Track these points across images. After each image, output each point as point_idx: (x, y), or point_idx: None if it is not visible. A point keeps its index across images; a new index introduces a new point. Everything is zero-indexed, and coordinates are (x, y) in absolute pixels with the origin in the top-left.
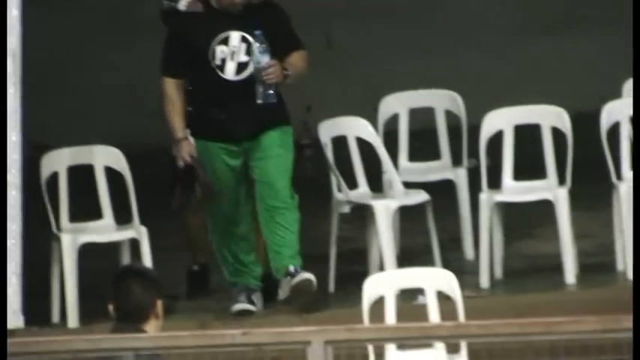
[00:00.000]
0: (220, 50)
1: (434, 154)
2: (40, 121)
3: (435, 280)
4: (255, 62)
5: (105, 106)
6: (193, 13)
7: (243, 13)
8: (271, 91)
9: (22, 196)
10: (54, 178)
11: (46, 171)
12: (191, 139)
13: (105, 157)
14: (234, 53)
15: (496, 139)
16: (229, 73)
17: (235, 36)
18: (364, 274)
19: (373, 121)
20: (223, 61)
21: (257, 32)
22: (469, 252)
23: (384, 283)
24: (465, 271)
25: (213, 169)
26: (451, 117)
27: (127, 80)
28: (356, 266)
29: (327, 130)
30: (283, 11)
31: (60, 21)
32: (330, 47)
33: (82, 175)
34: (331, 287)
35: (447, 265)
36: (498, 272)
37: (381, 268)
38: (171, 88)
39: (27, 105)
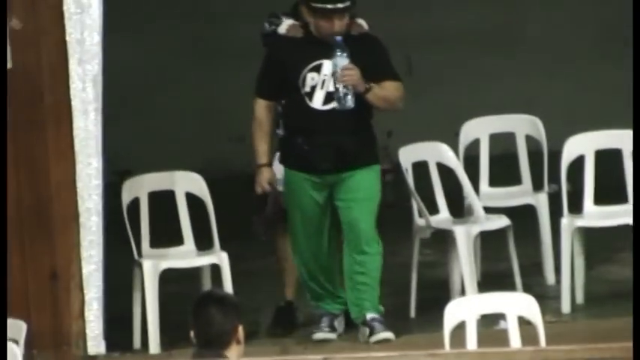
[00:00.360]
0: (311, 77)
1: (515, 179)
2: (122, 146)
3: (516, 305)
4: (334, 65)
5: (186, 131)
6: (292, 37)
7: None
8: (349, 96)
9: (103, 221)
10: (135, 203)
11: (127, 197)
12: (279, 167)
13: (186, 182)
14: (325, 82)
15: (577, 164)
16: (317, 101)
17: (328, 65)
18: (445, 299)
19: (454, 146)
20: (313, 88)
21: (338, 38)
22: (550, 277)
23: (465, 308)
24: (546, 296)
25: (298, 199)
26: (532, 142)
27: (208, 105)
28: (437, 291)
29: (408, 155)
30: (381, 43)
31: (141, 46)
32: (411, 73)
33: (163, 201)
34: (412, 313)
35: (528, 290)
36: (580, 297)
37: (462, 293)
38: (262, 109)
39: (108, 131)
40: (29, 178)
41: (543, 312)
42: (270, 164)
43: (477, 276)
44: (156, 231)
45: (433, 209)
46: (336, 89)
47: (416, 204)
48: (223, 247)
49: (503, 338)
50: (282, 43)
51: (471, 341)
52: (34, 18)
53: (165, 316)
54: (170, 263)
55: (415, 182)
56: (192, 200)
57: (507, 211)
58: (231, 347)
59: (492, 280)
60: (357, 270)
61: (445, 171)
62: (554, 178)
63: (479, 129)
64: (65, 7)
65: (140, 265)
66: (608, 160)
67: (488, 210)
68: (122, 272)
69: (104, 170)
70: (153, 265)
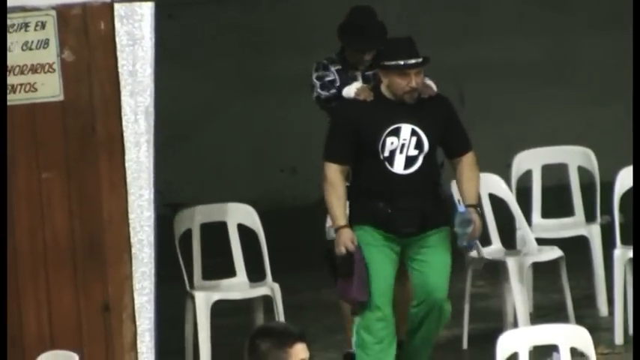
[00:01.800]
0: (390, 142)
1: (567, 211)
2: (174, 179)
3: (569, 336)
4: (462, 233)
5: (238, 163)
6: (363, 101)
7: (414, 105)
8: (477, 242)
9: (155, 253)
10: (187, 235)
11: (179, 228)
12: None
13: (238, 214)
14: (404, 146)
15: (629, 195)
16: (398, 166)
17: (406, 128)
18: (498, 330)
19: (506, 178)
20: (392, 153)
21: (461, 209)
22: (603, 308)
23: (517, 340)
24: (598, 328)
25: (371, 252)
26: (584, 173)
27: (260, 137)
28: (490, 323)
29: None
30: (453, 106)
31: (192, 79)
32: (463, 105)
33: (215, 233)
34: (465, 344)
35: (580, 321)
36: (632, 329)
37: (515, 324)
38: (335, 173)
39: (160, 163)
40: (82, 210)
41: (596, 344)
42: (350, 225)
43: (529, 307)
44: (208, 263)
45: (485, 241)
46: (468, 242)
47: None
48: (275, 279)
49: None
50: (353, 105)
51: None
52: (86, 50)
53: (217, 348)
54: (222, 295)
55: None
56: (244, 232)
57: (560, 243)
58: None
59: (545, 311)
60: (419, 329)
61: (497, 202)
62: (607, 209)
63: (531, 160)
64: (117, 39)
65: (192, 297)
66: None
67: (541, 241)
68: (174, 304)
69: (156, 202)
70: (205, 296)
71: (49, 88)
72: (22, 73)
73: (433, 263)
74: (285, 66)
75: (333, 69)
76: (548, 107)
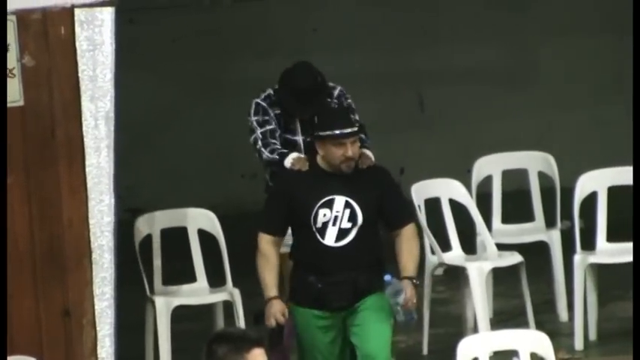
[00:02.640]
0: (322, 214)
1: (527, 216)
2: (134, 184)
3: (529, 341)
4: (394, 304)
5: (198, 169)
6: (298, 172)
7: (350, 177)
8: (414, 315)
9: (115, 259)
10: (147, 241)
11: (139, 234)
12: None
13: (198, 219)
14: (337, 218)
15: (589, 201)
16: (330, 239)
17: (339, 200)
18: (458, 335)
19: (466, 183)
20: (325, 225)
21: (386, 278)
22: (563, 314)
23: (478, 345)
24: (558, 333)
25: (309, 336)
26: (544, 178)
27: (220, 143)
28: (450, 328)
29: (421, 191)
30: (392, 177)
31: (153, 83)
32: (422, 110)
33: (175, 238)
34: (425, 350)
35: (540, 326)
36: (592, 334)
37: (475, 329)
38: (267, 244)
39: (120, 168)
40: (41, 215)
41: (556, 349)
42: (279, 296)
43: (489, 312)
44: (168, 268)
45: (445, 246)
46: (405, 315)
47: (428, 241)
48: (235, 284)
49: None
50: (287, 177)
51: None
52: (46, 55)
53: (177, 353)
54: (182, 300)
55: (427, 219)
56: (205, 237)
57: (520, 248)
58: None
59: (505, 316)
60: None
61: (457, 207)
62: (567, 214)
63: (491, 166)
64: (78, 44)
65: (152, 302)
66: (620, 196)
67: (501, 247)
68: (134, 309)
69: (116, 207)
70: (165, 302)
71: (10, 93)
72: None
73: (371, 328)
74: (245, 69)
75: (271, 113)
76: (509, 112)
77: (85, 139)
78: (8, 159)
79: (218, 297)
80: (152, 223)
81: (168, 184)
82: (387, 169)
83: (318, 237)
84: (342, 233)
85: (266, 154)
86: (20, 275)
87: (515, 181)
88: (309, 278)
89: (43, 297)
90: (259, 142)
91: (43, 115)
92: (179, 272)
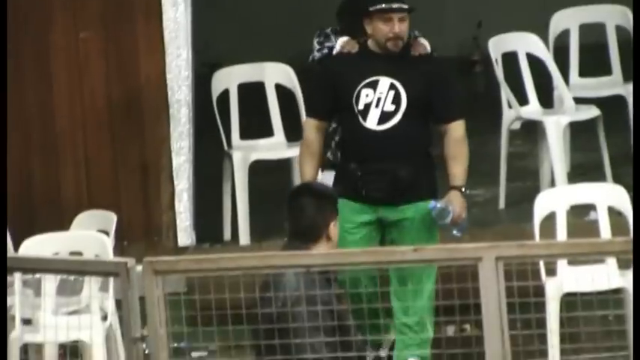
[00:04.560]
0: (365, 94)
1: (605, 70)
2: (211, 38)
3: (607, 195)
4: (443, 224)
5: (276, 22)
6: (347, 53)
7: (399, 60)
8: (465, 225)
9: (193, 113)
10: (225, 95)
11: (217, 88)
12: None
13: (275, 74)
14: (380, 100)
15: None
16: (371, 121)
17: (384, 82)
18: (535, 190)
19: (544, 37)
20: (367, 107)
21: (430, 206)
22: None
23: (555, 199)
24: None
25: (343, 231)
26: (622, 32)
27: None
28: (527, 182)
29: (498, 45)
30: (447, 70)
31: None
32: None
33: (252, 93)
34: (502, 204)
35: (618, 180)
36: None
37: (552, 184)
38: (311, 129)
39: (198, 22)
40: (118, 72)
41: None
42: None
43: (566, 166)
44: (245, 123)
45: (523, 100)
46: (456, 229)
47: (505, 95)
48: None
49: (593, 229)
50: (335, 59)
51: (561, 232)
52: None
53: (255, 207)
54: (260, 155)
55: (505, 73)
56: (282, 91)
57: (597, 102)
58: (321, 242)
59: (582, 170)
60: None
61: (535, 61)
62: None
63: (569, 19)
64: None
65: (230, 157)
66: None
67: (578, 100)
68: (212, 164)
69: (194, 62)
70: (243, 156)
71: None
72: None
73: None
74: None
75: (334, 39)
76: None
77: None
78: (85, 14)
79: (295, 151)
80: (229, 78)
81: (245, 38)
82: (442, 60)
83: (360, 119)
84: (384, 116)
85: (318, 54)
86: (98, 131)
87: (592, 35)
88: (350, 165)
89: (120, 152)
90: (315, 52)
91: None
92: (256, 127)
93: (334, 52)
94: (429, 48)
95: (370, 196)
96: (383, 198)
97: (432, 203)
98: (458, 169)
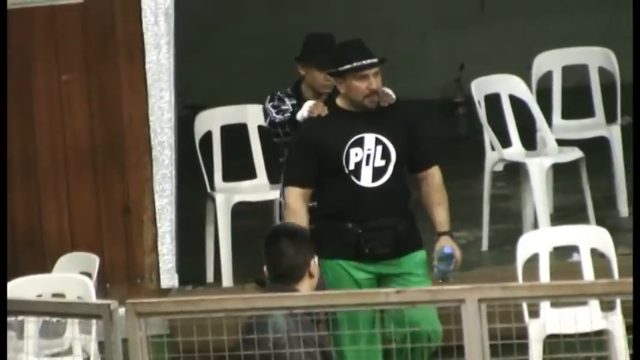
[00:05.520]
0: (354, 153)
1: (587, 112)
2: (194, 80)
3: (590, 237)
4: (444, 269)
5: (259, 64)
6: (318, 117)
7: (374, 114)
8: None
9: (175, 155)
10: (208, 137)
11: (199, 130)
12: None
13: (258, 115)
14: (370, 157)
15: None
16: (365, 179)
17: (369, 138)
18: (518, 232)
19: (526, 79)
20: (358, 165)
21: (446, 250)
22: (623, 209)
23: (538, 241)
24: (619, 229)
25: (333, 279)
26: (605, 74)
27: (282, 39)
28: (510, 224)
29: (480, 87)
30: (415, 117)
31: None
32: (482, 6)
33: (235, 135)
34: (484, 246)
35: (601, 222)
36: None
37: (535, 226)
38: (296, 199)
39: (180, 64)
40: (102, 113)
41: (616, 244)
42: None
43: (549, 209)
44: (228, 165)
45: (506, 142)
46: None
47: (488, 137)
48: None
49: (576, 271)
50: (311, 125)
51: (544, 274)
52: None
53: (238, 249)
54: (242, 196)
55: (487, 115)
56: (265, 133)
57: (580, 144)
58: (304, 281)
59: (565, 212)
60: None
61: (517, 103)
62: (627, 110)
63: (551, 61)
64: None
65: (213, 199)
66: None
67: (561, 142)
68: (195, 206)
69: (176, 104)
70: (225, 198)
71: None
72: None
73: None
74: None
75: (288, 102)
76: (569, 7)
77: (145, 36)
78: (67, 56)
79: (278, 194)
80: (212, 120)
81: (227, 80)
82: (406, 105)
83: (353, 179)
84: (377, 172)
85: (279, 117)
86: (81, 173)
87: (575, 77)
88: (346, 226)
89: (103, 194)
90: (272, 114)
91: (103, 13)
92: (239, 169)
93: (299, 116)
94: (394, 96)
95: (373, 253)
96: (386, 254)
97: (445, 249)
98: (444, 214)
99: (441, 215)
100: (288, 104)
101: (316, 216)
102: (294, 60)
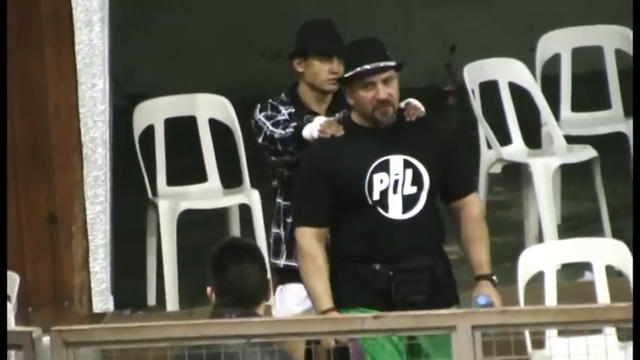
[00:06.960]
0: (379, 179)
1: (602, 103)
2: (134, 66)
3: (604, 252)
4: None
5: (210, 47)
6: (332, 138)
7: (400, 131)
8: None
9: (110, 154)
10: (149, 132)
11: (140, 124)
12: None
13: (209, 107)
14: (397, 183)
15: None
16: (395, 210)
17: (396, 160)
18: (519, 246)
19: (530, 64)
20: (384, 194)
21: (481, 301)
22: None
23: (543, 257)
24: None
25: (371, 348)
26: (622, 57)
27: (236, 15)
28: (509, 237)
29: (475, 74)
30: (452, 132)
31: None
32: None
33: (182, 130)
34: None
35: (618, 235)
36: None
37: (540, 239)
38: (311, 241)
39: (117, 46)
40: (23, 104)
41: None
42: (336, 308)
43: (557, 218)
44: (174, 166)
45: (505, 139)
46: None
47: (484, 132)
48: (254, 185)
49: (588, 292)
50: (320, 147)
51: (550, 296)
52: None
53: (184, 267)
54: (191, 204)
55: (483, 106)
56: (217, 128)
57: (593, 141)
58: (262, 304)
59: (576, 223)
60: None
61: (519, 93)
62: None
63: (559, 43)
64: None
65: (155, 206)
66: None
67: (571, 139)
68: (134, 215)
69: (112, 93)
70: (170, 205)
71: None
72: None
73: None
74: None
75: (284, 111)
76: None
77: (73, 12)
78: None
79: (233, 200)
80: (155, 112)
81: (173, 65)
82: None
83: (380, 210)
84: (408, 202)
85: (279, 132)
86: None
87: (588, 61)
88: (373, 267)
89: (25, 201)
90: (269, 127)
91: None
92: (187, 170)
93: (306, 135)
94: (423, 109)
95: (405, 301)
96: (419, 301)
97: (479, 300)
98: (484, 254)
99: (481, 254)
100: (284, 113)
101: (333, 257)
102: (287, 58)
